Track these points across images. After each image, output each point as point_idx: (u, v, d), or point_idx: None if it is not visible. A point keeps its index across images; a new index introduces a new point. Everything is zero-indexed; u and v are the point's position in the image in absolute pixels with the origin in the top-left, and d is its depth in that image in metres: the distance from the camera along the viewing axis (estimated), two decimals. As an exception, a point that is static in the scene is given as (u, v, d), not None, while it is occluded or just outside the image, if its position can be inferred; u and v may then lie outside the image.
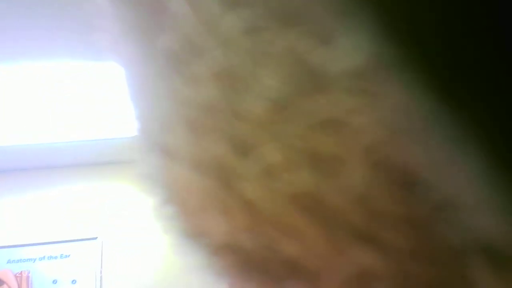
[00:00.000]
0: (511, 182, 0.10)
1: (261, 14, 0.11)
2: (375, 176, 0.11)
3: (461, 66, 0.10)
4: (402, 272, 0.11)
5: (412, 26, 0.10)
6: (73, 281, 2.03)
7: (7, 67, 1.54)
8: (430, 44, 0.10)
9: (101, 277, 2.04)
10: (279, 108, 0.11)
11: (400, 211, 0.11)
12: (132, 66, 0.14)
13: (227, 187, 0.12)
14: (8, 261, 2.03)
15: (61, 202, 2.14)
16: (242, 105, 0.11)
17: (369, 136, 0.10)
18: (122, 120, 1.84)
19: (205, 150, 0.12)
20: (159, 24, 0.12)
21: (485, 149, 0.10)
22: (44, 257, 2.05)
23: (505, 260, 0.11)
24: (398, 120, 0.10)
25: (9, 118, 1.80)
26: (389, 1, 0.10)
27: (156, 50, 0.12)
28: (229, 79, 0.11)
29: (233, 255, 0.13)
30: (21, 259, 2.04)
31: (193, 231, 0.14)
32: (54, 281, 2.02)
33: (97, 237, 2.10)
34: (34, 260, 2.05)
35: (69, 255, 2.07)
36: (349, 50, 0.10)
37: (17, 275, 2.01)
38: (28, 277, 2.01)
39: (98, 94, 1.73)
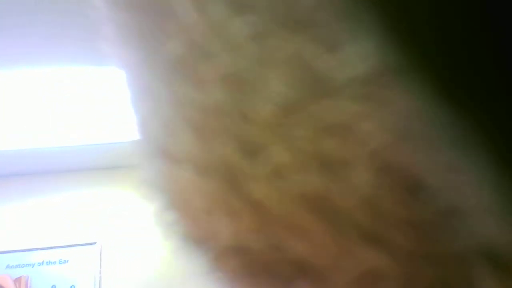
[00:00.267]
0: None
1: (268, 19, 0.11)
2: (380, 180, 0.11)
3: (464, 73, 0.10)
4: (407, 273, 0.11)
5: (415, 33, 0.10)
6: (72, 286, 2.02)
7: (10, 73, 1.54)
8: (434, 51, 0.10)
9: (100, 282, 2.04)
10: (287, 112, 0.11)
11: (404, 214, 0.11)
12: (134, 70, 0.14)
13: (235, 188, 0.12)
14: (7, 266, 2.02)
15: (60, 207, 2.14)
16: (250, 108, 0.11)
17: (375, 141, 0.11)
18: (121, 125, 1.84)
19: (211, 152, 0.12)
20: (164, 29, 0.12)
21: (489, 154, 0.10)
22: (43, 262, 2.05)
23: (508, 266, 0.11)
24: (403, 126, 0.10)
25: (9, 122, 1.81)
26: (393, 8, 0.10)
27: (159, 54, 0.12)
28: (236, 82, 0.11)
29: (239, 257, 0.13)
30: (20, 264, 2.03)
31: (196, 235, 0.14)
32: (53, 286, 2.01)
33: (96, 242, 2.09)
34: (33, 265, 2.04)
35: (68, 260, 2.06)
36: (355, 57, 0.10)
37: (16, 280, 2.01)
38: (27, 282, 2.00)
39: (99, 99, 1.73)
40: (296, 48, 0.11)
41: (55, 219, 2.12)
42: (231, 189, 0.12)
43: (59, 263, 2.05)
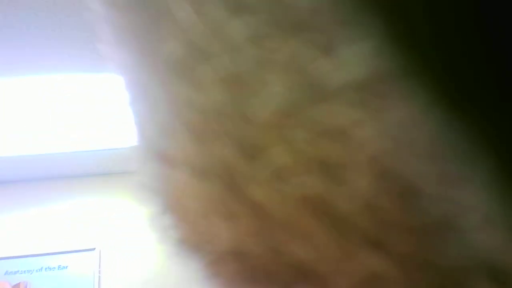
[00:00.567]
0: None
1: (266, 21, 0.11)
2: (379, 185, 0.11)
3: (464, 78, 0.10)
4: (408, 278, 0.11)
5: (414, 37, 0.10)
6: (71, 293, 2.02)
7: (11, 80, 1.55)
8: (432, 56, 0.10)
9: (99, 288, 2.03)
10: (286, 114, 0.11)
11: (402, 220, 0.11)
12: (131, 73, 0.14)
13: (234, 191, 0.12)
14: (6, 273, 2.02)
15: (59, 213, 2.14)
16: (249, 110, 0.11)
17: (373, 147, 0.10)
18: (120, 131, 1.84)
19: (210, 155, 0.12)
20: (162, 31, 0.12)
21: (491, 164, 0.10)
22: (42, 268, 2.04)
23: (507, 277, 0.11)
24: (401, 133, 0.10)
25: (8, 128, 1.81)
26: (391, 12, 0.10)
27: (157, 56, 0.12)
28: (235, 84, 0.11)
29: (238, 262, 0.12)
30: (19, 271, 2.03)
31: (194, 240, 0.13)
32: (52, 293, 2.01)
33: (94, 248, 2.09)
34: (32, 271, 2.03)
35: (67, 266, 2.06)
36: (352, 62, 0.10)
37: (15, 286, 2.00)
38: (25, 288, 2.00)
39: (97, 106, 1.74)
40: (293, 50, 0.11)
41: (54, 225, 2.11)
42: (230, 192, 0.12)
43: (58, 269, 2.05)
